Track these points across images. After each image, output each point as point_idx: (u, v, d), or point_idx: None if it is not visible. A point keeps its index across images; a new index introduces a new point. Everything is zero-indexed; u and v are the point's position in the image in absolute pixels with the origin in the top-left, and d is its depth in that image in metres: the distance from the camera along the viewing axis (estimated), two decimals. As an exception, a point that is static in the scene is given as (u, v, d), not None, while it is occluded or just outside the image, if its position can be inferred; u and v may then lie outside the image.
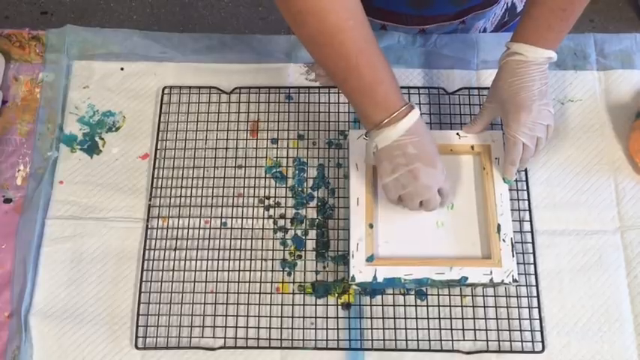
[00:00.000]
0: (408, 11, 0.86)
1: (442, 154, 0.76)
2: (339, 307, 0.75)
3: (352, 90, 0.66)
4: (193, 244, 0.78)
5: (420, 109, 0.83)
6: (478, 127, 0.77)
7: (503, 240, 0.72)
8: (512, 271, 0.70)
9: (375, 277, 0.70)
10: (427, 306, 0.74)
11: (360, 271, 0.71)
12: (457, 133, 0.77)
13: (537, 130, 0.70)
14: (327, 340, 0.73)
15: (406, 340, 0.73)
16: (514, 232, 0.73)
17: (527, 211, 0.78)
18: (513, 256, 0.71)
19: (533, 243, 0.76)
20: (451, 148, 0.77)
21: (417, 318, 0.74)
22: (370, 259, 0.71)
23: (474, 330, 0.73)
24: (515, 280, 0.70)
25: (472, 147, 0.77)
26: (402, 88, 0.84)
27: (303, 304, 0.75)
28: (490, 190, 0.74)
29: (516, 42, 0.70)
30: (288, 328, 0.74)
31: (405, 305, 0.74)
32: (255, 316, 0.74)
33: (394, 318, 0.74)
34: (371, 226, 0.73)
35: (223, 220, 0.79)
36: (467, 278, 0.70)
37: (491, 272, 0.70)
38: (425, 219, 0.75)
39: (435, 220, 0.75)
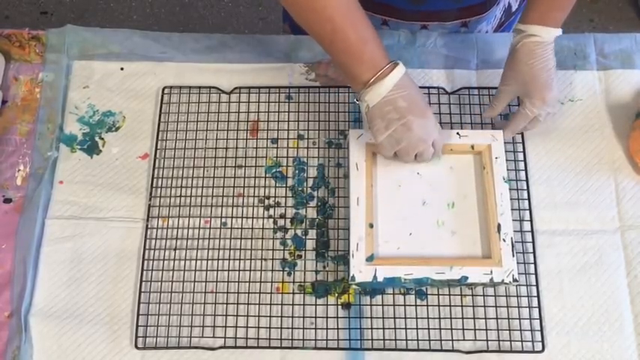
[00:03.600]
0: (407, 7, 0.86)
1: (442, 154, 0.76)
2: (339, 307, 0.75)
3: (339, 52, 0.68)
4: (193, 244, 0.78)
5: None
6: (498, 109, 0.79)
7: (504, 240, 0.72)
8: (512, 270, 0.70)
9: (375, 277, 0.70)
10: (427, 306, 0.74)
11: (360, 271, 0.71)
12: (457, 133, 0.77)
13: (555, 107, 0.75)
14: (327, 340, 0.73)
15: (406, 340, 0.73)
16: (514, 231, 0.73)
17: (528, 211, 0.78)
18: (513, 255, 0.71)
19: (533, 243, 0.76)
20: (451, 147, 0.77)
21: (417, 318, 0.74)
22: (370, 258, 0.71)
23: (474, 330, 0.73)
24: (515, 280, 0.70)
25: (472, 146, 0.77)
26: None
27: (303, 304, 0.75)
28: (490, 189, 0.74)
29: (531, 24, 0.72)
30: (288, 328, 0.74)
31: (405, 305, 0.74)
32: (255, 316, 0.74)
33: (394, 318, 0.74)
34: (371, 225, 0.73)
35: (223, 220, 0.79)
36: (467, 278, 0.70)
37: (491, 272, 0.70)
38: (425, 218, 0.75)
39: (435, 219, 0.75)
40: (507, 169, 0.78)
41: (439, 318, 0.74)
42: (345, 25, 0.66)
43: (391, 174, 0.77)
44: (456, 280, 0.70)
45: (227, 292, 0.76)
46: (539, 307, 0.73)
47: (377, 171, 0.77)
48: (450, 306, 0.74)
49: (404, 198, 0.76)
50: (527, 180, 0.79)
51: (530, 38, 0.72)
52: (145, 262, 0.77)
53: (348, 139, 0.78)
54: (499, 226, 0.72)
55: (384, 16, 0.88)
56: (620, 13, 1.90)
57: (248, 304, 0.75)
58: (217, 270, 0.76)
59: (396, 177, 0.77)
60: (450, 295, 0.74)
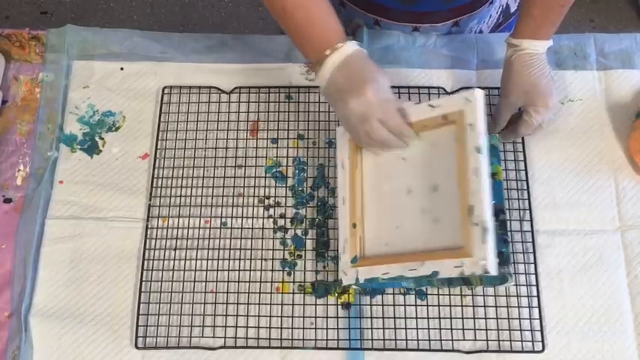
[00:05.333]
0: (398, 6, 0.86)
1: (418, 131, 0.70)
2: (339, 306, 0.75)
3: (290, 32, 0.69)
4: (193, 244, 0.78)
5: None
6: (502, 124, 0.79)
7: (475, 223, 0.61)
8: (484, 260, 0.60)
9: (357, 279, 0.69)
10: (427, 306, 0.74)
11: (346, 274, 0.70)
12: (429, 104, 0.69)
13: (555, 110, 0.76)
14: (327, 340, 0.73)
15: (406, 340, 0.73)
16: (513, 231, 0.73)
17: (528, 211, 0.78)
18: (484, 242, 0.61)
19: (533, 243, 0.76)
20: (424, 123, 0.69)
21: (417, 318, 0.74)
22: (354, 260, 0.70)
23: (474, 330, 0.73)
24: (486, 272, 0.61)
25: (445, 117, 0.67)
26: (402, 87, 0.84)
27: (303, 304, 0.75)
28: (463, 165, 0.64)
29: (524, 39, 0.73)
30: (288, 328, 0.74)
31: (405, 305, 0.74)
32: (255, 316, 0.74)
33: (394, 318, 0.74)
34: (354, 225, 0.71)
35: (223, 220, 0.79)
36: (437, 273, 0.64)
37: (462, 264, 0.62)
38: (410, 208, 0.69)
39: (420, 207, 0.68)
40: (507, 169, 0.78)
41: (439, 318, 0.74)
42: (295, 5, 0.66)
43: (378, 165, 0.72)
44: (428, 276, 0.64)
45: (227, 292, 0.76)
46: (539, 307, 0.73)
47: (365, 165, 0.73)
48: (450, 306, 0.74)
49: (390, 189, 0.70)
50: (527, 180, 0.79)
51: (524, 51, 0.74)
52: (145, 262, 0.77)
53: (336, 136, 0.76)
54: (470, 208, 0.62)
55: (375, 16, 0.88)
56: (620, 13, 1.90)
57: (248, 304, 0.75)
58: (217, 270, 0.76)
59: (382, 168, 0.71)
60: (450, 295, 0.74)
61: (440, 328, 0.73)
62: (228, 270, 0.77)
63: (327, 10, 0.68)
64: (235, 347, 0.73)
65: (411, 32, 0.89)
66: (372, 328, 0.74)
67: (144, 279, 0.76)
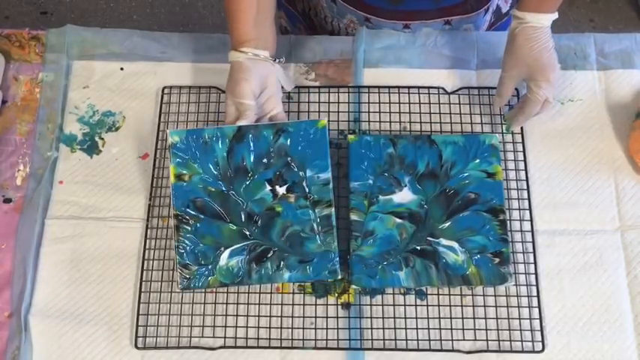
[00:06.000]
0: (386, 6, 0.86)
1: None
2: (339, 306, 0.75)
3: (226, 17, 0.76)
4: (193, 244, 0.78)
5: (420, 109, 0.83)
6: (505, 97, 0.79)
7: None
8: None
9: None
10: (427, 306, 0.74)
11: None
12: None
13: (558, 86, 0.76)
14: (327, 340, 0.73)
15: (406, 340, 0.73)
16: (513, 231, 0.73)
17: (528, 211, 0.78)
18: None
19: (533, 243, 0.76)
20: None
21: (417, 318, 0.74)
22: None
23: (474, 330, 0.73)
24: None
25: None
26: (402, 87, 0.84)
27: (303, 304, 0.75)
28: None
29: (528, 12, 0.73)
30: (288, 328, 0.74)
31: (405, 305, 0.74)
32: (255, 316, 0.74)
33: (394, 318, 0.74)
34: None
35: (223, 220, 0.79)
36: None
37: None
38: None
39: None
40: (507, 169, 0.78)
41: (439, 318, 0.74)
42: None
43: None
44: None
45: (227, 292, 0.75)
46: (539, 307, 0.73)
47: None
48: (450, 306, 0.74)
49: None
50: (527, 180, 0.79)
51: (528, 24, 0.73)
52: (145, 262, 0.77)
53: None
54: None
55: (364, 13, 0.88)
56: (620, 13, 1.90)
57: (248, 304, 0.75)
58: (217, 270, 0.76)
59: None
60: (450, 295, 0.74)
61: (440, 328, 0.73)
62: (228, 270, 0.77)
63: (245, 10, 0.74)
64: (235, 347, 0.73)
65: (402, 29, 0.89)
66: (372, 328, 0.74)
67: (144, 279, 0.76)
